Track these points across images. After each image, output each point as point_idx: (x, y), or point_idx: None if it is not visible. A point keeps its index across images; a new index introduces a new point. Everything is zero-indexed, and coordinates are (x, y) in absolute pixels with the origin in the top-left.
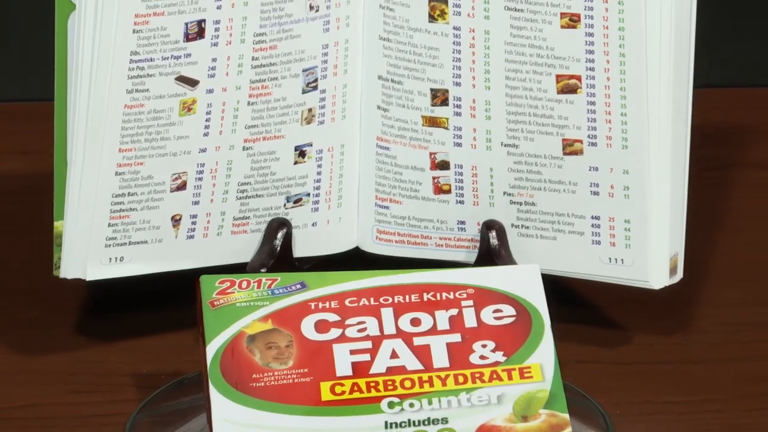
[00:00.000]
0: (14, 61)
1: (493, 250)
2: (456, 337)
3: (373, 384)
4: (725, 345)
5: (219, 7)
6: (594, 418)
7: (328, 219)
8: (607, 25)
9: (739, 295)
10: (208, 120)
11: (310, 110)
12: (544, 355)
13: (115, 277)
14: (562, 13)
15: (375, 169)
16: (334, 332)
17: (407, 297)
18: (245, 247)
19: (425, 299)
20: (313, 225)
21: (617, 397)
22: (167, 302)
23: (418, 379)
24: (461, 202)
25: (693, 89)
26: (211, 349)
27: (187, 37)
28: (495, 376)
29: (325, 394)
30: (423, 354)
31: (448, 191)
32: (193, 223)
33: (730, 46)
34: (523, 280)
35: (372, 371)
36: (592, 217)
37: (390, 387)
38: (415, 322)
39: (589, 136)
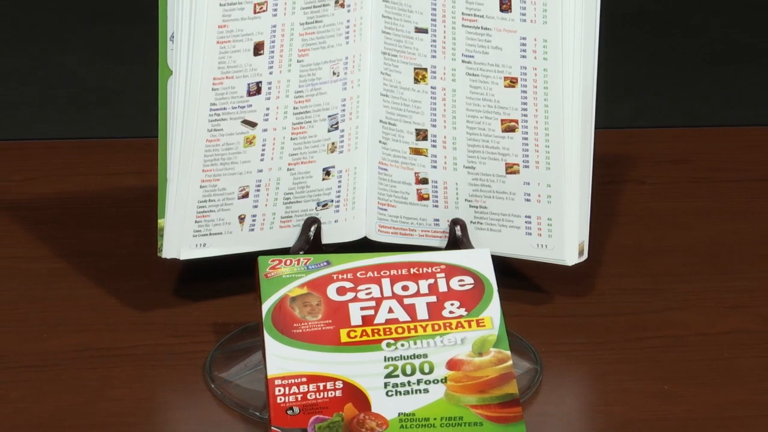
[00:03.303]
0: (133, 110)
1: (458, 239)
2: (433, 299)
3: (376, 330)
4: (617, 303)
5: (271, 73)
6: (527, 353)
7: (345, 218)
8: (536, 85)
9: (626, 269)
10: (263, 150)
11: (333, 143)
12: (493, 310)
13: (200, 257)
14: (505, 77)
15: (377, 183)
16: (350, 295)
17: (399, 270)
18: (289, 237)
19: (411, 272)
20: (335, 222)
21: (543, 339)
22: (235, 274)
23: (407, 327)
24: (436, 206)
25: (595, 129)
26: (265, 306)
27: (249, 93)
28: (459, 325)
29: (343, 338)
30: (410, 310)
31: (427, 198)
32: (253, 220)
33: (619, 100)
34: (478, 260)
35: (375, 322)
36: (526, 217)
37: (387, 333)
38: (404, 288)
39: (523, 161)
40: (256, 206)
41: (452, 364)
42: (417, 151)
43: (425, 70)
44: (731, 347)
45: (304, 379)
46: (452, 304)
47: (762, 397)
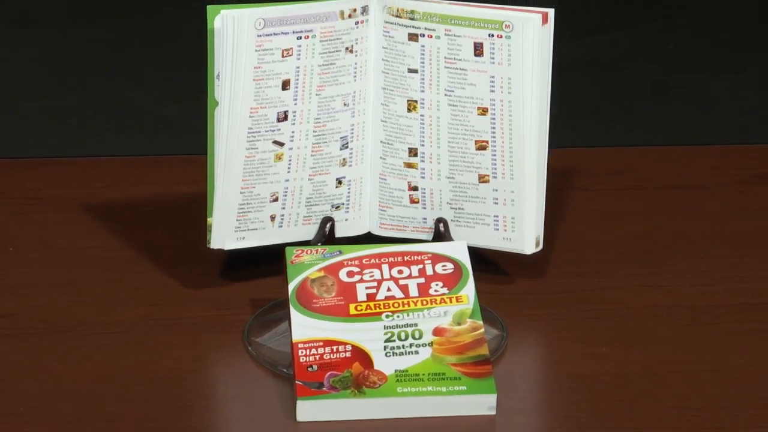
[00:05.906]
0: (187, 133)
1: (441, 234)
2: (422, 280)
3: (377, 305)
4: (565, 283)
5: (295, 104)
6: (496, 323)
7: (354, 217)
8: (502, 113)
9: (572, 257)
10: (289, 164)
11: (344, 159)
12: (469, 289)
13: (240, 248)
14: (478, 107)
15: (378, 190)
16: (357, 277)
17: (396, 258)
18: (310, 232)
19: (405, 259)
20: (345, 220)
21: (508, 311)
22: (268, 260)
23: (402, 303)
24: (424, 208)
25: (549, 148)
26: (291, 286)
27: (278, 119)
28: (443, 300)
29: (352, 311)
30: (404, 289)
31: (417, 202)
32: (282, 219)
33: (568, 125)
34: (457, 250)
35: (377, 298)
36: (494, 216)
37: (386, 307)
38: (400, 272)
39: (492, 173)
40: (284, 208)
41: (437, 331)
42: (409, 165)
43: (416, 101)
44: (653, 318)
45: (321, 343)
46: (437, 284)
47: (677, 357)
